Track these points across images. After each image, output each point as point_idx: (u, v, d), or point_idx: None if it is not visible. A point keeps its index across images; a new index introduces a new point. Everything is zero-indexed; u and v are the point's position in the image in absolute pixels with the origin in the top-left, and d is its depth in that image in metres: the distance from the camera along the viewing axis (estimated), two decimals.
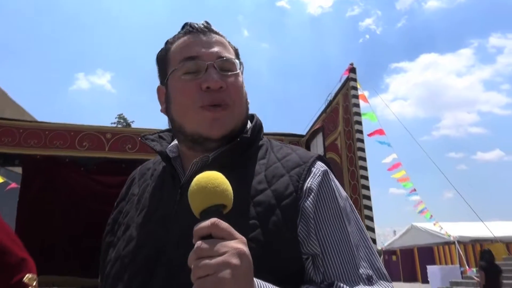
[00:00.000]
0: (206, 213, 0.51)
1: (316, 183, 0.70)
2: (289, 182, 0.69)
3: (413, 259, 20.45)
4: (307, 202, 0.67)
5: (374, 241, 3.67)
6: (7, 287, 1.28)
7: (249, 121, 0.82)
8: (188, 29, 0.78)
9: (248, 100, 0.83)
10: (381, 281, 0.66)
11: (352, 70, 3.86)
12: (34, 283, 1.32)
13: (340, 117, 4.25)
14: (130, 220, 0.75)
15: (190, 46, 0.76)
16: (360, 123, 3.71)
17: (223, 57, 0.75)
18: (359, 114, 3.73)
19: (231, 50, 0.81)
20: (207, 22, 0.79)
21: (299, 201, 0.67)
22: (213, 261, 0.46)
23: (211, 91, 0.72)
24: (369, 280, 0.65)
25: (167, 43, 0.81)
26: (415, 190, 7.28)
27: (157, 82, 0.85)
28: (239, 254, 0.48)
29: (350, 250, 0.66)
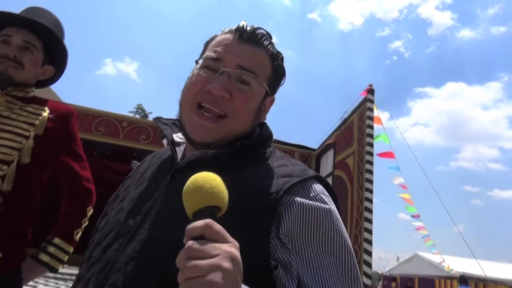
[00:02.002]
0: (200, 214, 0.49)
1: (312, 204, 0.66)
2: (272, 185, 0.67)
3: None
4: (288, 211, 0.65)
5: (369, 265, 3.63)
6: (83, 210, 1.48)
7: (259, 129, 0.81)
8: (235, 29, 0.77)
9: (265, 117, 0.83)
10: None
11: (371, 91, 3.86)
12: (89, 214, 1.51)
13: (355, 137, 4.23)
14: (127, 194, 0.78)
15: (222, 46, 0.76)
16: (371, 145, 3.70)
17: (243, 69, 0.74)
18: (371, 136, 3.71)
19: (265, 65, 0.78)
20: (258, 29, 0.78)
21: (277, 205, 0.65)
22: (204, 262, 0.45)
23: (212, 95, 0.72)
24: None
25: (220, 32, 0.81)
26: (418, 215, 7.17)
27: (179, 80, 0.89)
28: (231, 258, 0.46)
29: (334, 274, 0.63)
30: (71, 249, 1.44)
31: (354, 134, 4.12)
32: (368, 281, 3.73)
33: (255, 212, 0.64)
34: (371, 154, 3.70)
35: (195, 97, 0.73)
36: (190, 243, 0.46)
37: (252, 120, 0.78)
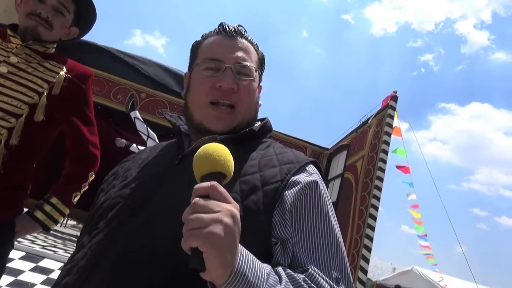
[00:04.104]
0: (207, 178, 0.55)
1: (305, 180, 0.73)
2: (278, 173, 0.73)
3: None
4: (289, 191, 0.70)
5: (365, 272, 3.59)
6: (85, 174, 1.49)
7: (260, 122, 0.89)
8: (220, 30, 0.87)
9: (260, 102, 0.92)
10: (347, 287, 0.67)
11: (394, 98, 3.75)
12: (90, 180, 1.52)
13: (368, 141, 4.15)
14: (129, 174, 0.82)
15: (215, 47, 0.85)
16: (386, 152, 3.62)
17: (241, 63, 0.83)
18: (387, 143, 3.63)
19: (254, 57, 0.88)
20: (239, 26, 0.88)
21: (281, 189, 0.71)
22: (207, 215, 0.50)
23: (222, 90, 0.80)
24: (337, 281, 0.66)
25: (202, 37, 0.90)
26: (426, 235, 7.08)
27: None
28: (231, 215, 0.52)
29: (324, 248, 0.68)
30: (67, 211, 1.44)
31: (368, 139, 4.05)
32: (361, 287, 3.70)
33: (262, 195, 0.69)
34: (384, 161, 3.63)
35: (207, 96, 0.81)
36: (196, 199, 0.52)
37: (255, 106, 0.88)
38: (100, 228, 0.73)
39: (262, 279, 0.55)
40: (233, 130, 0.81)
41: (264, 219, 0.68)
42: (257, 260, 0.58)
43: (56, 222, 1.40)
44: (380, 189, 3.53)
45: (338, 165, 5.05)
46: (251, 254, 0.57)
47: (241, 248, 0.56)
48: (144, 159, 0.87)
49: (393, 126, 3.77)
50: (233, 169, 0.58)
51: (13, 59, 1.31)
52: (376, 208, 3.51)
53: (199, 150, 0.58)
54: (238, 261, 0.53)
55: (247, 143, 0.82)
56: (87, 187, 1.49)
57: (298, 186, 0.71)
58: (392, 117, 3.75)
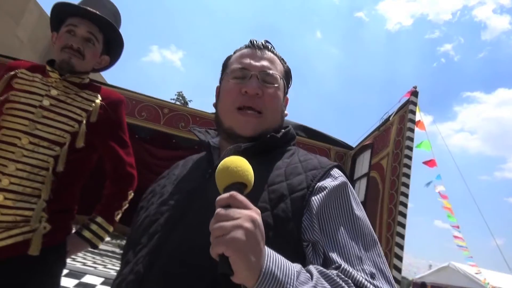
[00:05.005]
0: (228, 189, 0.59)
1: (330, 185, 0.76)
2: (303, 180, 0.76)
3: None
4: (316, 197, 0.73)
5: (399, 270, 3.56)
6: (125, 193, 1.59)
7: (284, 130, 0.93)
8: (249, 44, 0.94)
9: (286, 112, 0.96)
10: (383, 281, 0.67)
11: (414, 93, 3.73)
12: (130, 198, 1.62)
13: (392, 138, 4.12)
14: (165, 191, 0.87)
15: (243, 57, 0.91)
16: (411, 148, 3.59)
17: (266, 71, 0.88)
18: (411, 139, 3.60)
19: (279, 68, 0.93)
20: (266, 41, 0.95)
21: (308, 196, 0.74)
22: (228, 223, 0.54)
23: (248, 96, 0.85)
24: (372, 276, 0.66)
25: (234, 52, 0.97)
26: (458, 226, 6.90)
27: (219, 70, 1.00)
28: (252, 220, 0.55)
29: (354, 246, 0.69)
30: (111, 229, 1.54)
31: (391, 136, 4.03)
32: (397, 286, 3.64)
33: (290, 203, 0.73)
34: (410, 158, 3.61)
35: (234, 102, 0.86)
36: (218, 210, 0.57)
37: (280, 114, 0.92)
38: (143, 243, 0.77)
39: (292, 277, 0.57)
40: (260, 136, 0.85)
41: (293, 225, 0.71)
42: (287, 260, 0.60)
43: (102, 239, 1.51)
44: (407, 186, 3.50)
45: (363, 165, 5.02)
46: (279, 255, 0.60)
47: (268, 250, 0.58)
48: (177, 175, 0.92)
49: (416, 120, 3.75)
50: (252, 177, 0.62)
51: (54, 92, 1.43)
52: (405, 205, 3.48)
53: (219, 165, 0.62)
54: (265, 262, 0.56)
55: (272, 152, 0.86)
56: (127, 205, 1.59)
57: (324, 192, 0.74)
58: (414, 112, 3.73)
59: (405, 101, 3.81)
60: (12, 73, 1.44)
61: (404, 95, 3.86)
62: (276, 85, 0.89)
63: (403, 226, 3.44)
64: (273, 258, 0.58)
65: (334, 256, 0.67)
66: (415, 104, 3.72)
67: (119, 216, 1.57)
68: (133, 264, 0.76)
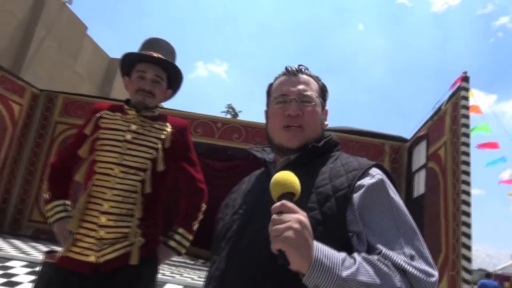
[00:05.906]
0: (281, 198, 0.74)
1: (368, 182, 0.87)
2: (345, 181, 0.89)
3: None
4: (356, 194, 0.86)
5: (468, 259, 3.47)
6: (199, 206, 1.81)
7: (325, 139, 1.06)
8: (285, 71, 1.10)
9: (326, 123, 1.11)
10: (422, 262, 0.78)
11: (465, 79, 3.66)
12: (203, 210, 1.85)
13: (447, 127, 4.02)
14: (236, 203, 1.06)
15: (282, 85, 1.07)
16: (467, 135, 3.52)
17: (303, 93, 1.03)
18: (467, 126, 3.53)
19: (314, 87, 1.07)
20: (300, 65, 1.10)
21: (349, 194, 0.86)
22: (281, 225, 0.69)
23: (291, 117, 1.01)
24: (411, 257, 0.77)
25: (274, 79, 1.15)
26: None
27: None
28: (299, 221, 0.70)
29: (394, 232, 0.81)
30: (191, 237, 1.78)
31: (446, 125, 3.96)
32: (468, 276, 3.55)
33: (334, 202, 0.86)
34: (467, 145, 3.54)
35: (280, 123, 1.03)
36: (274, 216, 0.72)
37: (320, 127, 1.06)
38: (223, 247, 0.98)
39: (338, 263, 0.71)
40: (305, 146, 0.99)
41: (339, 220, 0.83)
42: (334, 250, 0.73)
43: (184, 247, 1.75)
44: (468, 174, 3.44)
45: (420, 156, 4.94)
46: (327, 247, 0.73)
47: (316, 243, 0.72)
48: (244, 189, 1.11)
49: (470, 106, 3.67)
50: (298, 186, 0.75)
51: (133, 127, 1.70)
52: (468, 194, 3.42)
53: (271, 180, 0.76)
54: (315, 252, 0.70)
55: (317, 159, 0.99)
56: (202, 216, 1.83)
57: (363, 189, 0.86)
58: (466, 98, 3.65)
59: (456, 88, 3.74)
60: (98, 115, 1.74)
61: (454, 82, 3.79)
62: (313, 103, 1.03)
63: (468, 215, 3.36)
64: (321, 249, 0.72)
65: (376, 243, 0.79)
66: (467, 89, 3.64)
67: (196, 226, 1.80)
68: (218, 263, 0.96)
